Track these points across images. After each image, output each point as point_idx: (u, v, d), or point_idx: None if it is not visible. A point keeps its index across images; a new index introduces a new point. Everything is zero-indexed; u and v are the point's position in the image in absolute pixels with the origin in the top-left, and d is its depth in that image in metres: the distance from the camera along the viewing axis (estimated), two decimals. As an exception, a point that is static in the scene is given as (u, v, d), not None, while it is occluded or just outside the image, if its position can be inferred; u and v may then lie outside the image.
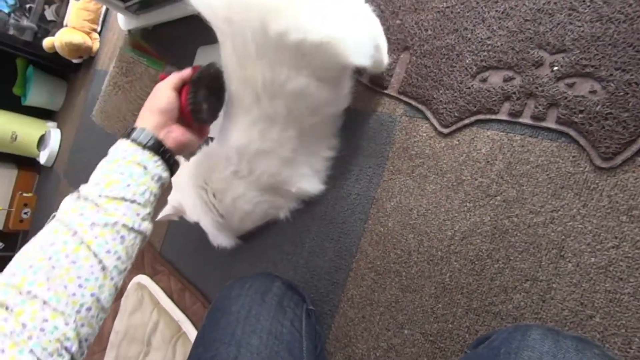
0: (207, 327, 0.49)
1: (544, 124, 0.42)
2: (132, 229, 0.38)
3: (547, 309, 0.39)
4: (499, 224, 0.43)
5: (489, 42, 0.46)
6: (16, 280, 0.32)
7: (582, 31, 0.40)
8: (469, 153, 0.47)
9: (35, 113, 1.71)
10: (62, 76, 1.75)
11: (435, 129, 0.50)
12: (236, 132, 0.52)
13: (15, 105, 1.66)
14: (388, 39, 0.56)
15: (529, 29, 0.44)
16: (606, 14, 0.39)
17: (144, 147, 0.42)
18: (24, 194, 1.71)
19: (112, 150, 0.42)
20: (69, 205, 0.38)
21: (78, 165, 1.49)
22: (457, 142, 0.48)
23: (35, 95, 1.65)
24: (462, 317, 0.44)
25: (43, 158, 1.64)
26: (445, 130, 0.49)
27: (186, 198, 0.64)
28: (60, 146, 1.64)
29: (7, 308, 0.30)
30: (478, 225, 0.44)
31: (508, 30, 0.45)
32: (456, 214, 0.46)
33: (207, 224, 0.63)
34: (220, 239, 0.65)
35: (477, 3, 0.48)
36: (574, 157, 0.40)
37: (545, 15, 0.43)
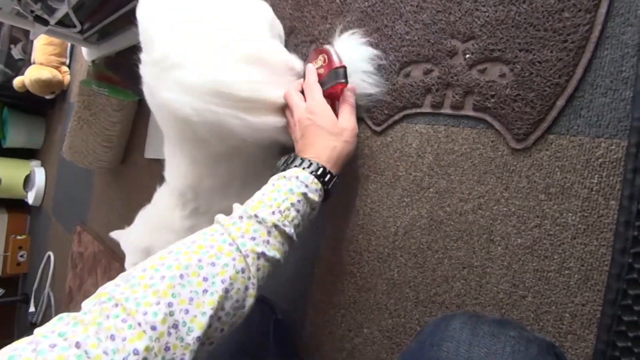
0: None
1: (462, 112, 0.42)
2: (280, 266, 0.38)
3: (485, 293, 0.40)
4: (434, 215, 0.44)
5: (407, 37, 0.47)
6: (161, 287, 0.29)
7: (488, 16, 0.41)
8: (402, 149, 0.47)
9: (17, 154, 1.73)
10: (39, 113, 1.77)
11: (370, 128, 0.51)
12: (185, 171, 0.54)
13: (-3, 150, 1.69)
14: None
15: (441, 19, 0.44)
16: (508, -3, 0.40)
17: (325, 191, 0.42)
18: (18, 237, 1.73)
19: (296, 180, 0.39)
20: (242, 222, 0.35)
21: (63, 201, 1.51)
22: (391, 139, 0.48)
23: (14, 137, 1.67)
24: (412, 310, 0.45)
25: (31, 198, 1.66)
26: (379, 129, 0.49)
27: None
28: (45, 184, 1.66)
29: (126, 320, 0.27)
30: (416, 218, 0.45)
31: (423, 23, 0.46)
32: (397, 210, 0.47)
33: None
34: None
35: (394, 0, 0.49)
36: (492, 141, 0.40)
37: (454, 4, 0.43)
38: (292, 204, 0.37)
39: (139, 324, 0.27)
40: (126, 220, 0.67)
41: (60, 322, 0.27)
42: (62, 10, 0.87)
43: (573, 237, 0.35)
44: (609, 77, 0.34)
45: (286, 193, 0.38)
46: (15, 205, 1.78)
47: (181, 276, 0.30)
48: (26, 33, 1.58)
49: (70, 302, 1.33)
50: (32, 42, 1.58)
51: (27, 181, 1.68)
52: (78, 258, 1.29)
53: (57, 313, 1.47)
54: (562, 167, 0.36)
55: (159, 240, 0.60)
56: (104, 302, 0.28)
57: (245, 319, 0.51)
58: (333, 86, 0.46)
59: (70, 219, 1.40)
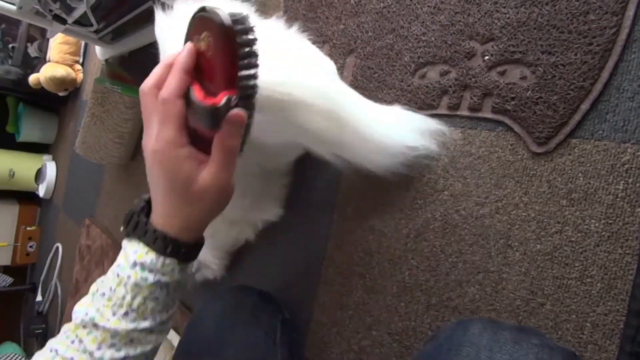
0: (183, 343, 0.50)
1: (480, 115, 0.41)
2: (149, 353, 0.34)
3: (500, 299, 0.39)
4: (449, 218, 0.43)
5: (424, 38, 0.47)
6: None
7: (508, 18, 0.40)
8: (416, 150, 0.47)
9: (30, 148, 1.76)
10: (52, 109, 1.79)
11: (384, 129, 0.50)
12: None
13: (10, 143, 1.72)
14: (334, 44, 0.57)
15: (460, 21, 0.44)
16: (530, -2, 0.39)
17: (189, 262, 0.34)
18: (28, 228, 1.75)
19: (141, 271, 0.31)
20: (97, 334, 0.31)
21: (73, 195, 1.52)
22: (405, 140, 0.48)
23: (28, 131, 1.70)
24: (423, 314, 0.44)
25: (42, 191, 1.68)
26: (393, 130, 0.49)
27: None
28: (56, 178, 1.69)
29: None
30: (430, 221, 0.44)
31: (440, 25, 0.45)
32: (410, 212, 0.46)
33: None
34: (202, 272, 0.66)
35: (411, 0, 0.48)
36: (511, 145, 0.39)
37: (473, 5, 0.43)
38: (145, 297, 0.31)
39: None
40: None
41: None
42: (80, 9, 0.88)
43: (596, 245, 0.34)
44: (637, 81, 0.33)
45: (133, 288, 0.31)
46: (26, 198, 1.81)
47: None
48: (42, 32, 1.61)
49: (76, 293, 1.34)
50: (47, 40, 1.61)
51: (39, 174, 1.70)
52: (86, 250, 1.31)
53: (63, 303, 1.49)
54: (586, 173, 0.35)
55: None
56: None
57: (253, 318, 0.51)
58: (197, 123, 0.30)
59: (80, 213, 1.41)
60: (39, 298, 1.62)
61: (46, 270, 1.63)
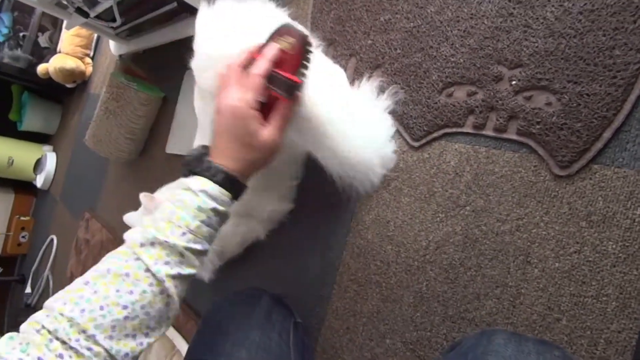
0: (196, 343, 0.50)
1: (505, 136, 0.44)
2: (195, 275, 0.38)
3: (517, 314, 0.40)
4: (469, 233, 0.45)
5: (452, 59, 0.49)
6: (82, 320, 0.31)
7: (537, 46, 0.43)
8: (439, 166, 0.48)
9: (31, 137, 1.74)
10: (56, 100, 1.78)
11: (407, 143, 0.52)
12: None
13: (11, 131, 1.70)
14: (361, 58, 0.59)
15: (489, 45, 0.46)
16: (558, 30, 0.42)
17: (235, 199, 0.40)
18: (22, 218, 1.72)
19: (205, 197, 0.37)
20: (154, 249, 0.35)
21: (73, 187, 1.51)
22: (428, 156, 0.50)
23: (31, 120, 1.68)
24: (439, 325, 0.45)
25: (39, 181, 1.66)
26: (416, 144, 0.51)
27: None
28: (56, 169, 1.67)
29: (66, 349, 0.30)
30: (450, 234, 0.46)
31: (470, 48, 0.48)
32: (430, 225, 0.48)
33: None
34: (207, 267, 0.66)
35: (441, 22, 0.51)
36: (534, 166, 0.42)
37: (503, 32, 0.45)
38: (202, 221, 0.36)
39: (72, 349, 0.30)
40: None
41: (11, 342, 0.30)
42: (105, 4, 0.89)
43: (613, 265, 0.36)
44: (657, 115, 0.36)
45: (194, 210, 0.36)
46: (22, 187, 1.78)
47: (101, 307, 0.32)
48: (54, 23, 1.61)
49: (70, 290, 1.31)
50: (59, 31, 1.61)
51: (38, 165, 1.68)
52: (84, 245, 1.29)
53: (54, 300, 1.46)
54: (605, 197, 0.37)
55: None
56: (39, 330, 0.30)
57: (267, 320, 0.52)
58: (276, 93, 0.40)
59: (78, 206, 1.40)
60: (28, 290, 1.59)
61: (38, 262, 1.60)
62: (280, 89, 0.40)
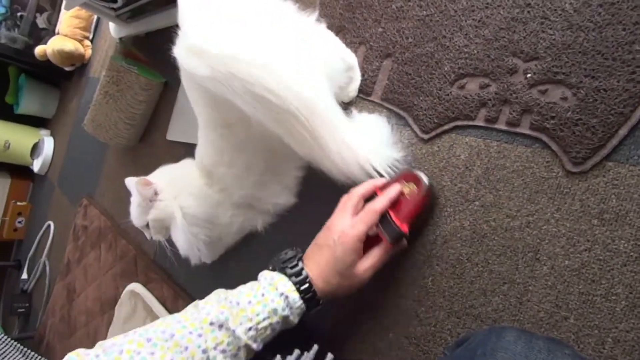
0: None
1: (518, 130, 0.43)
2: None
3: (524, 311, 0.40)
4: (477, 228, 0.44)
5: (466, 50, 0.48)
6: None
7: (554, 39, 0.41)
8: (448, 159, 0.48)
9: (28, 121, 1.71)
10: (54, 84, 1.75)
11: (417, 135, 0.51)
12: (204, 153, 0.57)
13: (8, 114, 1.67)
14: (371, 47, 0.57)
15: (504, 37, 0.45)
16: (576, 23, 0.40)
17: (309, 311, 0.42)
18: (18, 203, 1.70)
19: (287, 302, 0.40)
20: (218, 334, 0.38)
21: (71, 172, 1.49)
22: (437, 149, 0.49)
23: (28, 104, 1.65)
24: (444, 320, 0.45)
25: (36, 166, 1.64)
26: (426, 137, 0.50)
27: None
28: (53, 154, 1.64)
29: None
30: (458, 229, 0.45)
31: (484, 39, 0.46)
32: (437, 219, 0.47)
33: (185, 240, 0.60)
34: (196, 254, 0.65)
35: (455, 12, 0.49)
36: (547, 162, 0.41)
37: (519, 23, 0.44)
38: (271, 324, 0.39)
39: None
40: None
41: None
42: (106, -17, 0.87)
43: (623, 264, 0.36)
44: (677, 112, 0.35)
45: (270, 312, 0.39)
46: (19, 172, 1.76)
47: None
48: (52, 3, 1.57)
49: (67, 273, 1.31)
50: (57, 12, 1.57)
51: (35, 149, 1.66)
52: (81, 231, 1.28)
53: (51, 282, 1.45)
54: (619, 195, 0.37)
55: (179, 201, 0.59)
56: None
57: None
58: (382, 234, 0.42)
59: (76, 192, 1.38)
60: (24, 276, 1.58)
61: (34, 248, 1.59)
62: (387, 232, 0.42)
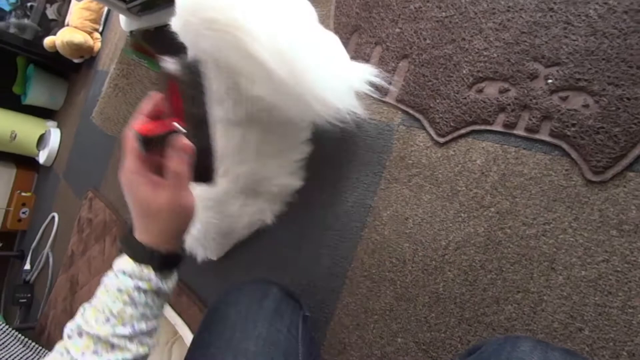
0: (203, 332, 0.50)
1: (537, 137, 0.42)
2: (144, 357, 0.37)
3: (538, 320, 0.39)
4: (492, 235, 0.43)
5: (485, 53, 0.47)
6: None
7: (577, 45, 0.41)
8: (464, 164, 0.47)
9: (35, 112, 1.71)
10: (62, 75, 1.75)
11: (432, 138, 0.50)
12: None
13: (15, 104, 1.67)
14: (387, 47, 0.57)
15: (525, 41, 0.44)
16: (600, 29, 0.40)
17: (165, 270, 0.37)
18: (23, 193, 1.71)
19: (123, 277, 0.36)
20: (81, 342, 0.34)
21: (77, 165, 1.49)
22: (453, 153, 0.48)
23: (35, 94, 1.65)
24: (454, 327, 0.45)
25: (42, 157, 1.64)
26: (442, 140, 0.49)
27: None
28: (59, 146, 1.65)
29: None
30: (472, 235, 0.45)
31: (504, 42, 0.46)
32: (451, 224, 0.47)
33: (197, 228, 0.61)
34: (210, 245, 0.65)
35: (475, 14, 0.48)
36: (566, 170, 0.40)
37: (541, 28, 0.43)
38: (125, 302, 0.35)
39: None
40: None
41: None
42: (119, -25, 0.86)
43: (643, 277, 0.35)
44: None
45: (115, 293, 0.35)
46: (24, 162, 1.76)
47: None
48: (63, -7, 1.57)
49: (70, 265, 1.31)
50: (67, 3, 1.56)
51: (41, 140, 1.66)
52: (86, 223, 1.28)
53: (54, 273, 1.46)
54: (639, 206, 0.36)
55: None
56: None
57: (276, 313, 0.51)
58: (153, 152, 0.35)
59: (82, 184, 1.38)
60: (27, 266, 1.58)
61: (38, 239, 1.59)
62: (139, 145, 0.35)
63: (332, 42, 0.50)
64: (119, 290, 0.35)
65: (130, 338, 0.35)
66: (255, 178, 0.58)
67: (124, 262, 0.36)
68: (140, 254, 0.36)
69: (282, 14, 0.44)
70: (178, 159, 0.35)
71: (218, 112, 0.51)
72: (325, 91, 0.44)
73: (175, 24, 0.46)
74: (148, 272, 0.36)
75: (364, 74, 0.50)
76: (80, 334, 0.34)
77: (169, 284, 0.38)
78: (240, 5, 0.41)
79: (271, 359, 0.45)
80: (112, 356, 0.34)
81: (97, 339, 0.34)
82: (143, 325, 0.36)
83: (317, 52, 0.46)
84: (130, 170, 0.36)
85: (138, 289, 0.35)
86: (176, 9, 0.45)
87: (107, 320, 0.34)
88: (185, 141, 0.35)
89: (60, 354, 0.34)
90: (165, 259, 0.37)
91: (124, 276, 0.35)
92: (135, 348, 0.36)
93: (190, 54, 0.46)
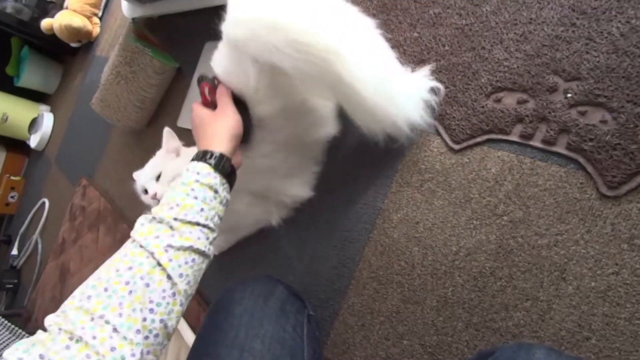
0: (208, 329, 0.49)
1: (554, 149, 0.43)
2: (202, 253, 0.39)
3: (546, 328, 0.40)
4: (504, 243, 0.44)
5: (505, 64, 0.47)
6: (90, 305, 0.32)
7: (598, 61, 0.41)
8: (478, 172, 0.47)
9: (28, 95, 1.66)
10: (58, 59, 1.70)
11: (447, 144, 0.51)
12: None
13: (8, 86, 1.61)
14: (404, 51, 0.57)
15: (546, 54, 0.45)
16: (622, 47, 0.40)
17: (218, 171, 0.42)
18: (12, 177, 1.66)
19: (187, 173, 0.42)
20: (144, 227, 0.38)
21: (70, 151, 1.45)
22: (468, 160, 0.49)
23: (29, 77, 1.60)
24: (462, 332, 0.45)
25: (34, 142, 1.60)
26: (457, 147, 0.49)
27: None
28: (52, 130, 1.60)
29: (72, 338, 0.31)
30: (483, 243, 0.46)
31: (525, 54, 0.46)
32: (462, 231, 0.47)
33: None
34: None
35: (497, 24, 0.49)
36: (581, 183, 0.41)
37: (563, 42, 0.44)
38: (187, 194, 0.40)
39: (82, 339, 0.30)
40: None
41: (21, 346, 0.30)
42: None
43: (652, 291, 0.36)
44: None
45: (179, 187, 0.41)
46: (15, 146, 1.71)
47: (105, 289, 0.34)
48: (62, -26, 1.52)
49: (61, 252, 1.28)
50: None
51: (33, 124, 1.61)
52: (79, 211, 1.25)
53: (42, 260, 1.42)
54: (652, 222, 0.37)
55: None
56: (51, 332, 0.32)
57: (282, 312, 0.51)
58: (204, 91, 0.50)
59: (75, 171, 1.35)
60: (14, 252, 1.54)
61: (27, 225, 1.55)
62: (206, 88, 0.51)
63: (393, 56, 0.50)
64: (183, 184, 0.41)
65: (191, 225, 0.39)
66: (267, 186, 0.58)
67: (193, 164, 0.43)
68: (199, 154, 0.43)
69: (368, 38, 0.44)
70: (223, 90, 0.48)
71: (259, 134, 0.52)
72: (407, 107, 0.46)
73: (236, 32, 0.44)
74: (206, 169, 0.42)
75: (424, 83, 0.50)
76: (142, 224, 0.38)
77: (224, 188, 0.43)
78: (335, 32, 0.40)
79: (277, 357, 0.45)
80: (171, 241, 0.37)
81: (159, 224, 0.38)
82: (200, 219, 0.40)
83: (399, 74, 0.48)
84: (196, 106, 0.49)
85: (199, 182, 0.41)
86: (240, 18, 0.43)
87: (171, 208, 0.39)
88: (227, 87, 0.48)
89: (131, 241, 0.38)
90: (219, 160, 0.43)
91: (187, 172, 0.42)
92: (191, 236, 0.39)
93: (239, 63, 0.47)
